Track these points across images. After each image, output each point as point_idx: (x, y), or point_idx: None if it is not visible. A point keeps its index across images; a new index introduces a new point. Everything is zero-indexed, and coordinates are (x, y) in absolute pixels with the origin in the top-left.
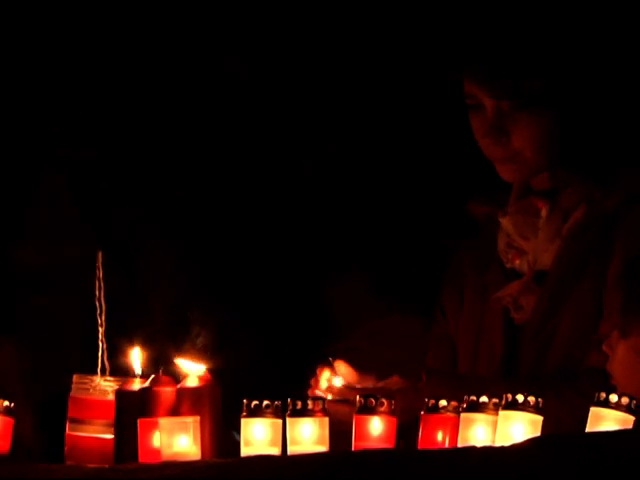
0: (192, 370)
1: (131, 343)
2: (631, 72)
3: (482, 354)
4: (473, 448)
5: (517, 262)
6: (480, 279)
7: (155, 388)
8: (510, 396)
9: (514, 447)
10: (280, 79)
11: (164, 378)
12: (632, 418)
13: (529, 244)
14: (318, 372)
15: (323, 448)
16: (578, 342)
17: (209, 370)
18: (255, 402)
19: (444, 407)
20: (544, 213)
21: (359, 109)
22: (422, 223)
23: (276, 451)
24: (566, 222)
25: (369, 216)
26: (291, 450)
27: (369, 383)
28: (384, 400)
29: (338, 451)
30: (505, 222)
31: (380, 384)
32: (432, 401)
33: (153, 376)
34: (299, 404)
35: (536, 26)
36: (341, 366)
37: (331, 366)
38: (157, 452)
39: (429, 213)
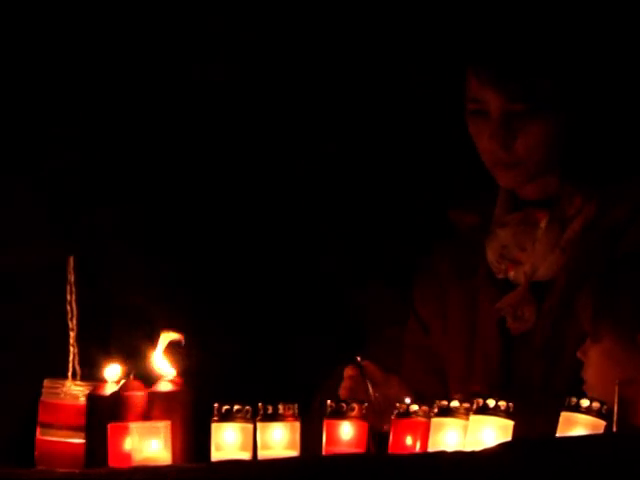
0: (165, 372)
1: (102, 348)
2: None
3: (477, 365)
4: (443, 453)
5: (512, 273)
6: (465, 288)
7: (126, 393)
8: (481, 401)
9: (485, 452)
10: (279, 79)
11: (135, 383)
12: (603, 423)
13: (526, 255)
14: (345, 373)
15: (294, 453)
16: None
17: (182, 374)
18: (226, 407)
19: (415, 412)
20: (543, 224)
21: (359, 109)
22: (423, 224)
23: (247, 456)
24: (564, 233)
25: (370, 217)
26: (262, 455)
27: (394, 388)
28: (355, 405)
29: (308, 456)
30: (503, 233)
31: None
32: (403, 406)
33: (124, 381)
34: (270, 409)
35: (549, 27)
36: (368, 367)
37: (359, 366)
38: (128, 457)
39: (429, 214)
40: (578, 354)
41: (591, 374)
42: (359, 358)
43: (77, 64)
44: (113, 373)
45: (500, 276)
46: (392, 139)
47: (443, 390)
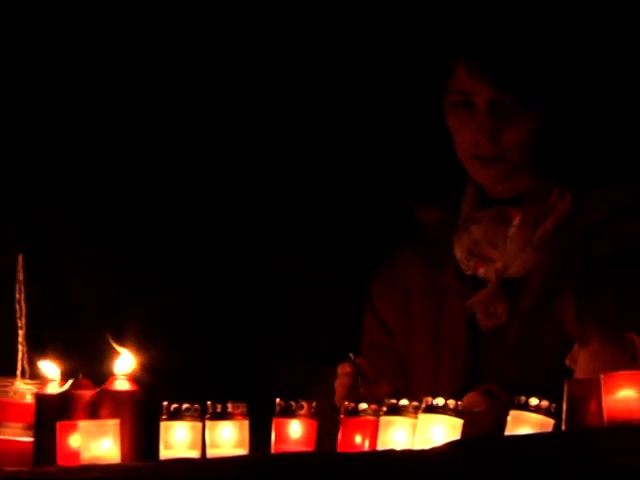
0: (115, 371)
1: (53, 346)
2: (626, 84)
3: (444, 363)
4: (392, 451)
5: (481, 270)
6: (430, 285)
7: (75, 391)
8: (430, 399)
9: (434, 450)
10: (279, 79)
11: (84, 381)
12: (551, 421)
13: (497, 252)
14: (341, 370)
15: (243, 451)
16: (563, 355)
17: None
18: (175, 405)
19: (364, 410)
20: (516, 222)
21: (359, 109)
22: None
23: (196, 454)
24: (537, 231)
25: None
26: (210, 453)
27: (384, 386)
28: (304, 403)
29: (257, 454)
30: (476, 229)
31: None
32: (352, 404)
33: (73, 379)
34: (219, 407)
35: (541, 20)
36: (362, 364)
37: (354, 364)
38: (76, 455)
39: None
40: (567, 362)
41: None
42: (352, 355)
43: (77, 64)
44: (50, 371)
45: (469, 273)
46: (392, 139)
47: (348, 393)
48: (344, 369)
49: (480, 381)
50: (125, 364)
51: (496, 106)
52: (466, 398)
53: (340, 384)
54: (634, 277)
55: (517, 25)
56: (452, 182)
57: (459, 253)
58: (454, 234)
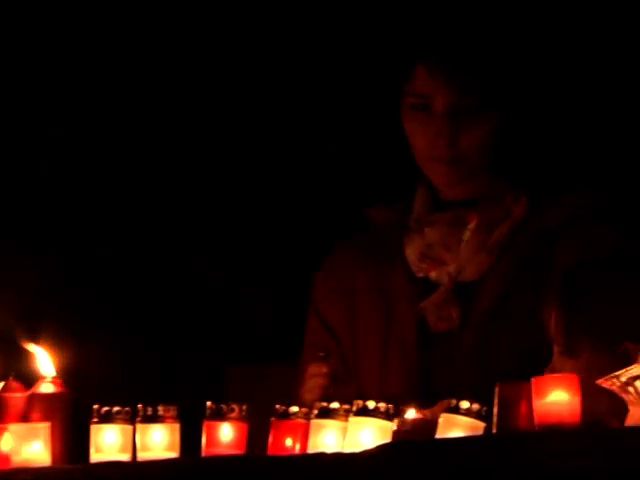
0: (45, 373)
1: None
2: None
3: (393, 366)
4: (323, 454)
5: (433, 273)
6: (378, 287)
7: (5, 394)
8: (361, 402)
9: (364, 453)
10: (279, 79)
11: (14, 384)
12: (482, 425)
13: (451, 255)
14: (312, 371)
15: (173, 454)
16: (519, 359)
17: (61, 375)
18: (105, 408)
19: (294, 413)
20: (472, 225)
21: (358, 109)
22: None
23: (126, 457)
24: (492, 235)
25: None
26: (141, 456)
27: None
28: (235, 406)
29: (187, 457)
30: (430, 232)
31: None
32: (282, 407)
33: (3, 382)
34: (150, 410)
35: (502, 26)
36: (333, 364)
37: (323, 362)
38: (7, 458)
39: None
40: (546, 374)
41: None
42: (323, 355)
43: (77, 64)
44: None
45: (420, 275)
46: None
47: (325, 393)
48: (319, 369)
49: (432, 385)
50: (48, 366)
51: (455, 109)
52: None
53: (315, 385)
54: (625, 284)
55: (478, 28)
56: (403, 184)
57: (411, 255)
58: (405, 236)
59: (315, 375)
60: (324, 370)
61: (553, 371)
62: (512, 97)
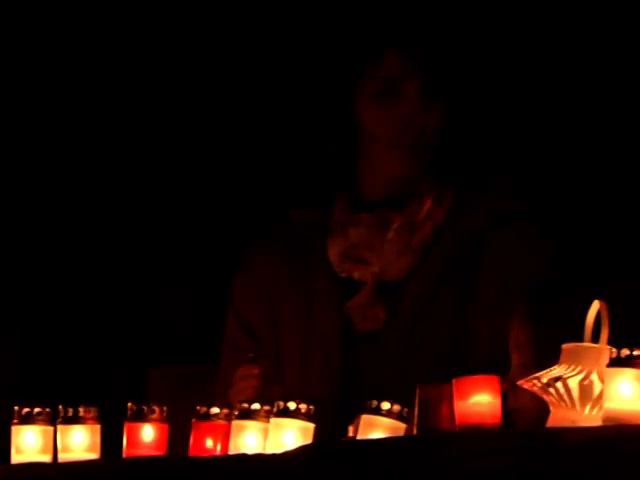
0: None
1: None
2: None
3: (317, 366)
4: (244, 455)
5: (357, 273)
6: (299, 287)
7: None
8: (282, 403)
9: (285, 454)
10: (279, 79)
11: None
12: (403, 425)
13: (375, 255)
14: (244, 372)
15: (94, 455)
16: (444, 359)
17: None
18: (26, 409)
19: (215, 414)
20: (396, 226)
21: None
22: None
23: (47, 458)
24: (415, 236)
25: None
26: (62, 457)
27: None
28: (155, 407)
29: (108, 458)
30: (354, 232)
31: None
32: (203, 408)
33: None
34: (70, 411)
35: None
36: (263, 364)
37: (254, 363)
38: None
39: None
40: (505, 387)
41: (531, 403)
42: (252, 356)
43: (77, 64)
44: None
45: (343, 275)
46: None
47: (257, 394)
48: (250, 370)
49: (357, 385)
50: None
51: (426, 93)
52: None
53: (246, 386)
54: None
55: (449, 16)
56: (325, 185)
57: (333, 256)
58: (328, 236)
59: (246, 377)
60: (255, 371)
61: (512, 384)
62: (463, 89)
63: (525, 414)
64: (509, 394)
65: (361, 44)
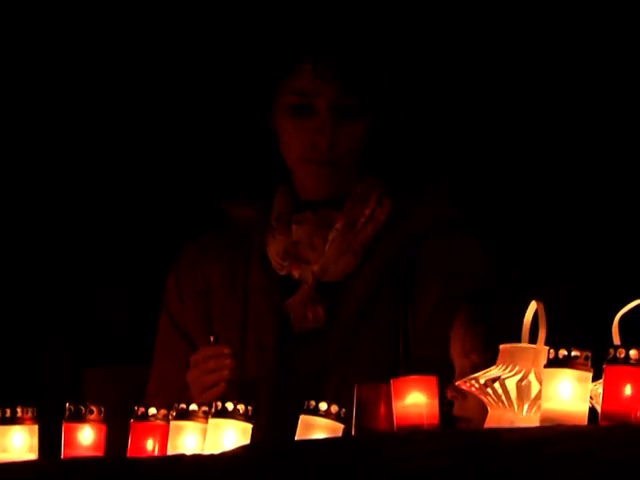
0: None
1: None
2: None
3: (250, 363)
4: (182, 456)
5: (296, 271)
6: (234, 284)
7: None
8: (220, 404)
9: (224, 455)
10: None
11: None
12: (341, 426)
13: (316, 254)
14: (207, 352)
15: (32, 456)
16: (383, 360)
17: None
18: None
19: (153, 415)
20: (339, 226)
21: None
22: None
23: None
24: (357, 237)
25: None
26: (0, 458)
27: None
28: (93, 407)
29: (46, 459)
30: (297, 230)
31: None
32: (142, 409)
33: None
34: (8, 412)
35: (387, 28)
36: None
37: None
38: None
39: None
40: (449, 395)
41: (477, 408)
42: (213, 338)
43: (77, 64)
44: None
45: (282, 273)
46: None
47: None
48: (221, 349)
49: (294, 384)
50: None
51: (336, 109)
52: None
53: (221, 365)
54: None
55: (364, 28)
56: (264, 181)
57: (273, 252)
58: (268, 233)
59: (217, 356)
60: (226, 351)
61: (457, 391)
62: (389, 98)
63: (475, 422)
64: (456, 402)
65: (277, 58)
